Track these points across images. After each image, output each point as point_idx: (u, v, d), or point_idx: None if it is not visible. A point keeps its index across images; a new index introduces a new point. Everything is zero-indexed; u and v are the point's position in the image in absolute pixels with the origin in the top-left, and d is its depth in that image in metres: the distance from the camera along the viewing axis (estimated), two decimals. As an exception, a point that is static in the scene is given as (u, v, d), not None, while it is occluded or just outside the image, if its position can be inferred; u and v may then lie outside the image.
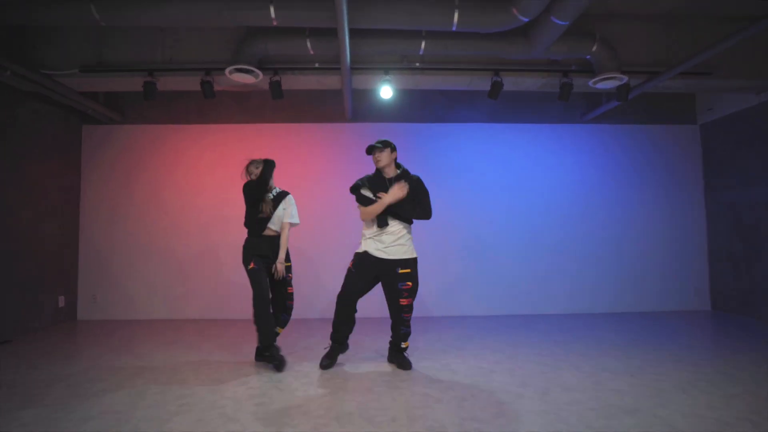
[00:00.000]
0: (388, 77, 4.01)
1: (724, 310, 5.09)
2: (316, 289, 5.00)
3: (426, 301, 4.93)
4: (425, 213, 3.05)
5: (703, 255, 5.29)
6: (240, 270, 4.76)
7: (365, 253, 3.03)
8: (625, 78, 3.89)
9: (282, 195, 3.27)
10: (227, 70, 3.68)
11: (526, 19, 3.26)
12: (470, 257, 5.15)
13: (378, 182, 3.05)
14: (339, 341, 3.16)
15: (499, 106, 5.26)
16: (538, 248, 5.19)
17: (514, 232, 5.19)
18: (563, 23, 3.27)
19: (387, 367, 3.15)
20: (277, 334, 3.22)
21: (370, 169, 3.17)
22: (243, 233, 3.24)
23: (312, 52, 3.75)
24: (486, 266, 5.15)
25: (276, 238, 3.23)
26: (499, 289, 5.14)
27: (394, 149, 3.06)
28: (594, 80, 3.98)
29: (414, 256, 3.04)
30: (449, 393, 2.63)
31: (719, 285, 5.17)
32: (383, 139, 3.08)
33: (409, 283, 2.99)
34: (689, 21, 4.10)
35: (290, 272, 3.27)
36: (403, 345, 3.15)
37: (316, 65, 4.00)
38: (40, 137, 4.49)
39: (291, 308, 3.31)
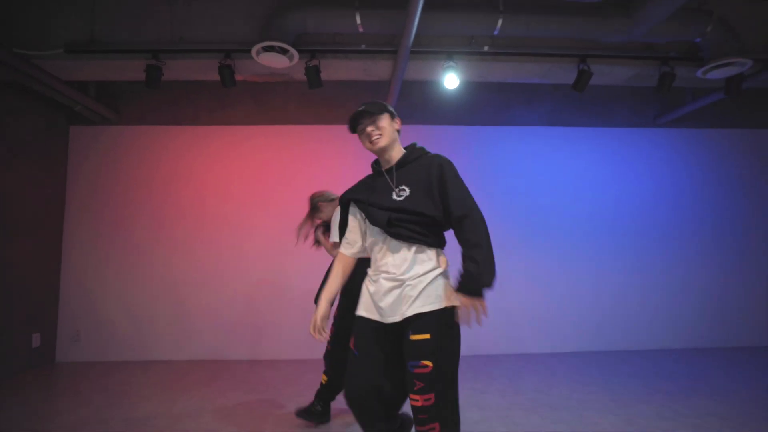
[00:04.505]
0: (452, 63, 3.24)
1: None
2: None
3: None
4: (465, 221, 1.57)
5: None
6: (259, 302, 3.89)
7: (358, 317, 1.68)
8: (749, 63, 3.15)
9: None
10: (255, 49, 2.89)
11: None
12: (529, 285, 4.32)
13: (372, 182, 1.79)
14: None
15: (559, 106, 4.52)
16: (606, 273, 4.38)
17: (582, 254, 4.38)
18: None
19: None
20: None
21: None
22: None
23: (361, 29, 2.98)
24: (547, 296, 4.32)
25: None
26: (565, 322, 4.31)
27: (394, 115, 1.76)
28: (705, 68, 3.24)
29: (437, 306, 1.54)
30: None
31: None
32: (372, 101, 1.76)
33: (427, 363, 1.48)
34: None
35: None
36: None
37: (363, 47, 3.22)
38: (15, 138, 3.65)
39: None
